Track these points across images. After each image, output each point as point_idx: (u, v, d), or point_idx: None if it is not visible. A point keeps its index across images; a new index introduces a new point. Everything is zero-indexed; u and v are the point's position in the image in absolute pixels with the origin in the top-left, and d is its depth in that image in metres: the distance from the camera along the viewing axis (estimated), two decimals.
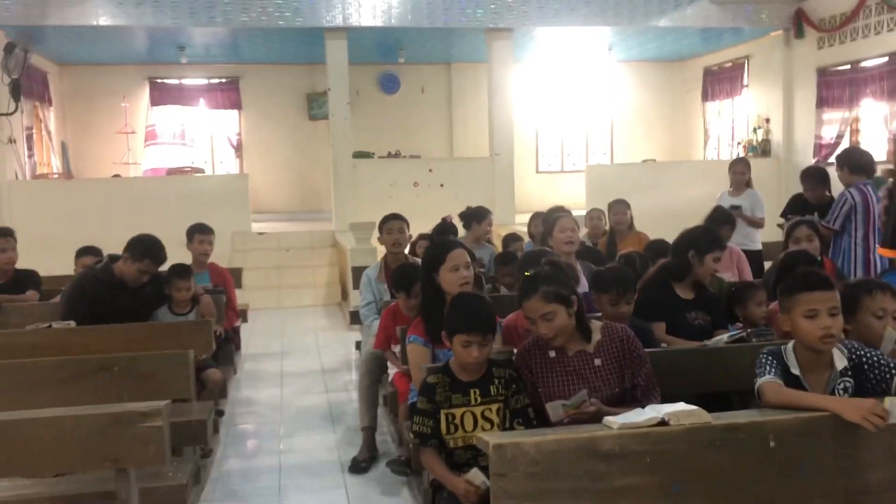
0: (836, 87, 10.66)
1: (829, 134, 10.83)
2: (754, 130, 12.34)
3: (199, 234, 5.73)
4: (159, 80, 13.24)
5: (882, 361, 2.50)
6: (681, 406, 2.27)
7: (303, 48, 11.99)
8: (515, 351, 3.09)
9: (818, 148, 11.00)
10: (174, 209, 10.29)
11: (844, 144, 10.67)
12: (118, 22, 10.01)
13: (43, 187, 10.74)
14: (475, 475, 2.56)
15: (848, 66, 10.43)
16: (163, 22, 10.13)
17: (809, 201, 6.20)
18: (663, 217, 8.81)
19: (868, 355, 2.51)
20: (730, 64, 13.16)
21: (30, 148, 10.98)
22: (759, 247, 6.81)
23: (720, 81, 13.44)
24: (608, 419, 2.24)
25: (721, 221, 5.22)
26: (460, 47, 12.70)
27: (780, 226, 6.43)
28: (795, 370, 2.49)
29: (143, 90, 13.24)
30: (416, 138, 13.91)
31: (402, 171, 11.40)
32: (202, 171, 12.20)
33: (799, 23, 11.23)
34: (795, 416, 2.26)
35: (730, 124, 13.35)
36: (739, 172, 6.95)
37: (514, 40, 11.40)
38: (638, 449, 2.13)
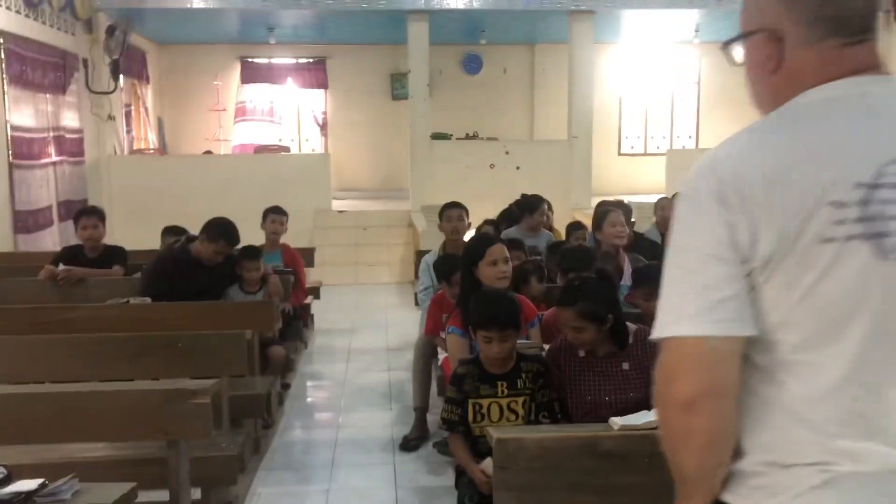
0: None
1: None
2: None
3: (272, 214, 6.04)
4: (250, 60, 13.74)
5: None
6: None
7: (387, 29, 12.20)
8: (547, 347, 3.21)
9: None
10: (260, 186, 10.73)
11: None
12: (210, 5, 10.46)
13: (139, 162, 11.37)
14: (489, 465, 2.72)
15: None
16: (252, 5, 10.53)
17: None
18: None
19: None
20: None
21: (128, 124, 11.62)
22: None
23: None
24: (612, 420, 2.35)
25: None
26: (543, 29, 12.66)
27: None
28: None
29: (235, 69, 13.76)
30: (498, 119, 13.98)
31: (478, 152, 11.52)
32: (288, 149, 12.65)
33: None
34: None
35: None
36: None
37: (596, 22, 11.31)
38: (637, 450, 2.24)
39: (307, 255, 6.64)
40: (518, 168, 11.37)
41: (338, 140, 14.09)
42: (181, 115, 13.72)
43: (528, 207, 6.41)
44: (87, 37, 10.05)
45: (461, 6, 10.71)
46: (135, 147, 11.95)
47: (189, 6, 10.48)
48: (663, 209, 6.97)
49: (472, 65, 14.02)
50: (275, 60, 13.83)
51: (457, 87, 14.01)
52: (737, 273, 1.19)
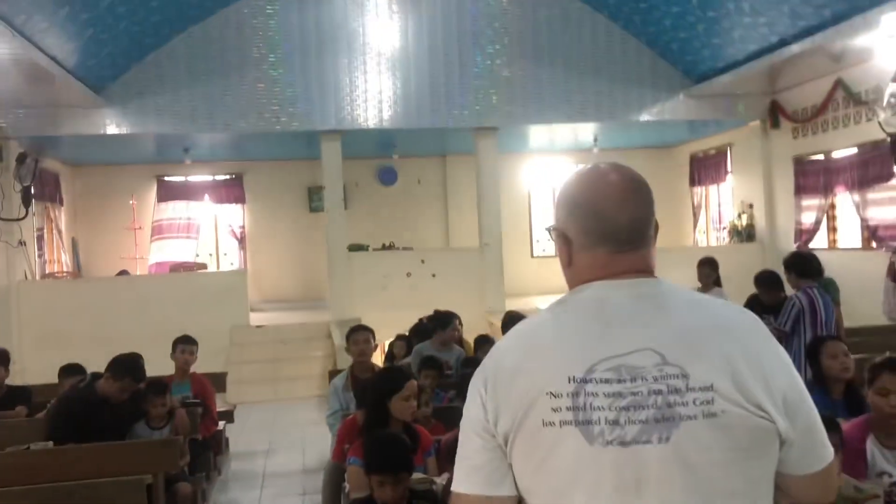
0: (811, 176, 11.03)
1: (808, 220, 11.15)
2: (738, 216, 12.70)
3: (181, 344, 6.10)
4: (166, 179, 13.89)
5: None
6: None
7: (302, 146, 12.57)
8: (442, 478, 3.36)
9: (798, 233, 11.30)
10: (176, 305, 10.75)
11: (822, 231, 11.00)
12: (124, 131, 10.66)
13: (51, 286, 11.24)
14: None
15: (821, 156, 10.82)
16: (166, 130, 10.78)
17: (765, 303, 6.48)
18: None
19: None
20: (714, 151, 13.62)
21: (40, 248, 11.54)
22: None
23: (706, 168, 13.88)
24: None
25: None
26: (453, 141, 13.26)
27: None
28: None
29: (151, 187, 13.89)
30: (415, 228, 14.38)
31: (395, 262, 11.81)
32: (205, 265, 12.72)
33: (775, 114, 11.70)
34: None
35: (717, 209, 13.73)
36: (705, 275, 7.29)
37: (501, 136, 11.94)
38: None
39: (218, 380, 6.67)
40: (434, 276, 11.68)
41: (257, 253, 14.21)
42: (97, 235, 13.67)
43: (440, 323, 6.62)
44: None
45: (371, 126, 11.16)
46: (47, 270, 11.83)
47: (103, 133, 10.66)
48: None
49: (388, 176, 14.49)
50: (191, 178, 14.02)
51: (374, 198, 14.44)
52: (490, 446, 1.42)
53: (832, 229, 10.96)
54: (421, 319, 7.39)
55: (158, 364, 5.98)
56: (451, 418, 4.81)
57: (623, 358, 1.38)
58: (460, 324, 7.20)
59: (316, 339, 10.98)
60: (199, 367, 7.48)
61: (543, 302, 12.54)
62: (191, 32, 10.66)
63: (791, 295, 5.97)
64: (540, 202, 14.99)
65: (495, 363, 1.47)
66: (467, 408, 1.48)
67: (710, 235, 13.93)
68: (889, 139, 9.16)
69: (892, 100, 8.98)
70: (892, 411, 3.04)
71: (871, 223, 9.86)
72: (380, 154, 13.89)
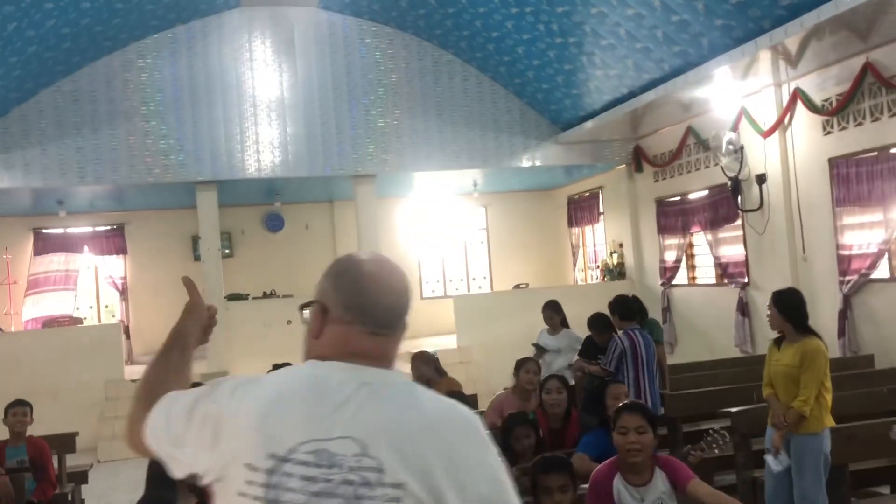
0: (671, 216, 11.67)
1: (670, 258, 11.77)
2: (610, 254, 13.28)
3: (14, 407, 6.01)
4: (43, 231, 13.61)
5: None
6: None
7: (184, 195, 12.52)
8: None
9: (663, 271, 11.91)
10: (49, 361, 10.54)
11: (682, 268, 11.63)
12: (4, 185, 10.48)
13: None
14: None
15: (678, 198, 11.48)
16: (34, 184, 10.63)
17: (598, 344, 6.87)
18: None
19: None
20: (588, 193, 14.24)
21: None
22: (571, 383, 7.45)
23: (581, 209, 14.48)
24: None
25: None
26: (339, 187, 13.44)
27: (570, 365, 7.11)
28: None
29: (28, 241, 13.57)
30: (304, 274, 14.41)
31: (275, 310, 11.85)
32: (80, 320, 12.47)
33: (637, 158, 12.37)
34: None
35: (593, 248, 14.32)
36: (548, 318, 7.66)
37: (382, 182, 12.24)
38: None
39: (65, 441, 6.58)
40: None
41: (139, 304, 14.01)
42: None
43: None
44: None
45: (248, 176, 11.27)
46: None
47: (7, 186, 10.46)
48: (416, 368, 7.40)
49: (274, 223, 14.56)
50: (70, 230, 13.77)
51: (261, 245, 14.47)
52: (188, 426, 1.49)
53: (691, 267, 11.60)
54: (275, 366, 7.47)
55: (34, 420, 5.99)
56: None
57: (326, 443, 1.39)
58: None
59: None
60: (69, 425, 7.39)
61: (433, 343, 12.78)
62: (58, 86, 10.61)
63: (613, 337, 6.36)
64: (425, 245, 15.29)
65: (246, 397, 1.47)
66: (213, 384, 1.52)
67: (587, 274, 14.48)
68: (730, 183, 9.83)
69: (730, 147, 9.66)
70: (631, 448, 3.35)
71: (723, 261, 10.50)
72: (264, 201, 13.96)
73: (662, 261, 11.94)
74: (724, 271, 10.45)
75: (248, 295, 12.17)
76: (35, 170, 10.58)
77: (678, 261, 11.58)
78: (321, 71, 11.54)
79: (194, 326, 1.83)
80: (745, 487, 5.39)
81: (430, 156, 11.85)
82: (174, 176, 11.06)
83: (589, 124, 11.38)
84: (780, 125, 9.15)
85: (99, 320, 13.80)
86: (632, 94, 10.20)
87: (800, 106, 8.83)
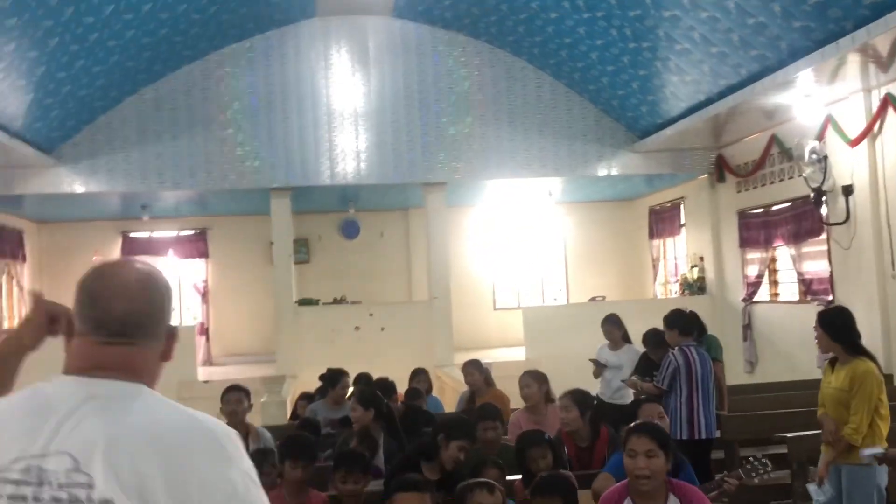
0: (753, 229, 11.11)
1: (752, 273, 11.21)
2: (691, 268, 12.76)
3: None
4: (131, 235, 14.16)
5: None
6: None
7: (260, 201, 12.81)
8: None
9: (745, 286, 11.35)
10: None
11: (765, 284, 11.05)
12: (76, 190, 10.97)
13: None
14: None
15: (761, 210, 10.92)
16: (118, 188, 11.08)
17: (654, 360, 6.55)
18: None
19: None
20: (669, 204, 13.75)
21: None
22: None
23: (662, 220, 13.99)
24: None
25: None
26: (412, 195, 13.45)
27: (623, 381, 6.79)
28: None
29: (116, 243, 14.15)
30: (377, 281, 14.52)
31: (343, 316, 11.93)
32: None
33: (720, 168, 11.85)
34: None
35: (673, 261, 13.81)
36: (607, 332, 7.37)
37: (461, 187, 12.21)
38: None
39: None
40: (382, 329, 11.78)
41: (220, 307, 14.38)
42: (62, 291, 13.73)
43: (330, 381, 6.70)
44: None
45: (321, 183, 11.41)
46: (5, 326, 12.03)
47: (55, 192, 10.96)
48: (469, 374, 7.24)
49: (350, 230, 14.69)
50: (156, 234, 14.28)
51: (336, 251, 14.63)
52: None
53: (773, 282, 11.00)
54: (321, 376, 7.46)
55: None
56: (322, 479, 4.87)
57: (39, 459, 1.35)
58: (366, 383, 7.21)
59: (259, 395, 11.04)
60: None
61: (502, 354, 12.61)
62: (141, 94, 11.01)
63: (667, 353, 6.03)
64: (499, 255, 15.10)
65: None
66: None
67: (667, 288, 13.97)
68: (813, 195, 9.27)
69: (814, 156, 9.11)
70: (639, 473, 3.12)
71: (806, 277, 9.91)
72: (341, 208, 14.11)
73: (744, 276, 11.39)
74: (808, 288, 9.85)
75: (319, 300, 12.29)
76: (118, 175, 11.02)
77: (760, 276, 11.01)
78: (394, 79, 11.57)
79: (28, 338, 1.73)
80: None
81: (501, 164, 11.69)
82: (249, 182, 11.31)
83: (668, 132, 10.97)
84: (868, 133, 8.55)
85: (180, 324, 14.22)
86: (709, 101, 9.76)
87: (891, 113, 8.24)
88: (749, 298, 11.19)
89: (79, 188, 10.99)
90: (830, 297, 9.36)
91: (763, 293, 11.08)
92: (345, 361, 10.44)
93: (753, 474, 4.00)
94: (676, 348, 5.99)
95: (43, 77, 8.81)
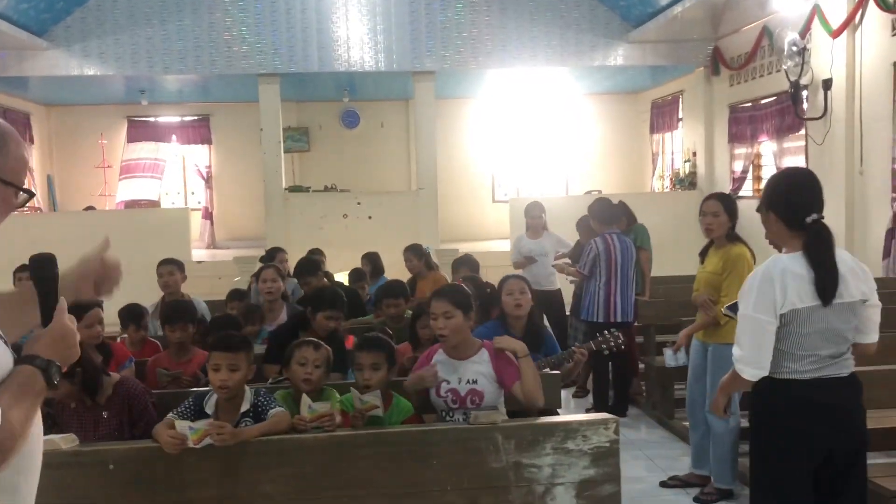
0: (742, 124, 10.92)
1: (738, 168, 11.10)
2: (684, 163, 12.65)
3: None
4: (136, 119, 14.46)
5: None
6: None
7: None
8: None
9: (732, 181, 11.26)
10: (123, 239, 11.33)
11: (749, 179, 10.95)
12: (69, 73, 11.19)
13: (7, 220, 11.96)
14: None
15: (750, 104, 10.70)
16: (109, 71, 11.25)
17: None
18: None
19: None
20: (669, 97, 13.50)
21: None
22: (558, 286, 7.37)
23: (662, 115, 13.77)
24: None
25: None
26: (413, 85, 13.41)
27: (554, 266, 6.99)
28: (209, 410, 3.15)
29: (122, 127, 14.48)
30: (377, 170, 14.70)
31: (332, 203, 12.17)
32: (158, 204, 13.32)
33: (715, 61, 11.55)
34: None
35: (670, 156, 13.67)
36: (536, 217, 7.49)
37: (453, 79, 12.21)
38: None
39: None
40: (370, 217, 12.03)
41: (222, 192, 14.76)
42: (71, 173, 14.40)
43: (269, 258, 7.04)
44: None
45: (307, 70, 11.45)
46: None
47: (66, 73, 11.19)
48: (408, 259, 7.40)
49: (350, 119, 14.77)
50: (160, 119, 14.56)
51: (336, 140, 14.77)
52: None
53: (757, 178, 10.89)
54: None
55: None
56: None
57: None
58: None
59: (247, 275, 11.49)
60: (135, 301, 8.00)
61: (498, 245, 12.81)
62: None
63: (590, 240, 6.17)
64: (499, 148, 15.08)
65: None
66: None
67: (663, 183, 13.89)
68: (791, 89, 9.06)
69: (793, 48, 8.85)
70: (439, 332, 3.39)
71: None
72: (338, 98, 14.15)
73: (731, 171, 11.28)
74: None
75: (309, 188, 12.53)
76: (109, 58, 11.16)
77: (745, 171, 10.90)
78: None
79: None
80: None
81: (492, 53, 11.56)
82: (236, 68, 11.40)
83: (661, 19, 10.68)
84: (849, 24, 8.27)
85: (186, 207, 14.67)
86: None
87: (872, 5, 7.93)
88: (734, 194, 11.10)
89: (73, 71, 11.20)
90: None
91: (747, 188, 11.00)
92: (333, 247, 10.83)
93: (604, 346, 4.23)
94: (599, 236, 6.13)
95: None
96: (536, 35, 11.54)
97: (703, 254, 4.71)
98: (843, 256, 2.88)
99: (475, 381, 3.37)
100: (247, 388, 3.19)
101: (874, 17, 7.97)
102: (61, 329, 1.69)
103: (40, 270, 1.75)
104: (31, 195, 1.79)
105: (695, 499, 4.58)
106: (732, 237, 4.54)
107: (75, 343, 1.71)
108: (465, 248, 11.98)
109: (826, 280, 2.78)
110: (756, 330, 2.80)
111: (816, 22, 8.77)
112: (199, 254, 12.73)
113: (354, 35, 11.45)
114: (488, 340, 3.47)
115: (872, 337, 2.98)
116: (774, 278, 2.79)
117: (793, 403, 2.80)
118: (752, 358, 2.81)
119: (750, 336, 2.82)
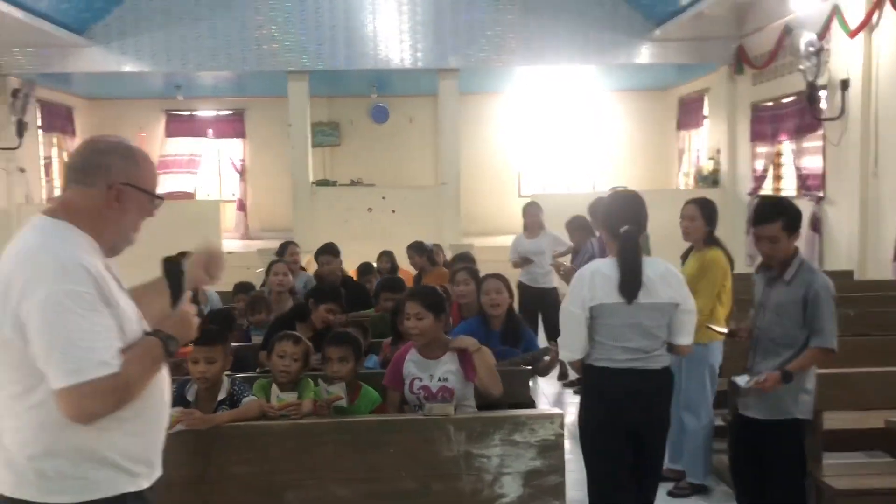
0: (764, 123, 10.90)
1: (759, 167, 11.09)
2: (709, 160, 12.66)
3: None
4: (174, 113, 14.94)
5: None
6: None
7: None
8: None
9: (753, 180, 11.26)
10: (154, 231, 11.77)
11: (770, 178, 10.94)
12: (107, 69, 11.68)
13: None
14: None
15: (771, 103, 10.68)
16: (145, 68, 11.71)
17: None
18: None
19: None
20: (695, 95, 13.49)
21: (48, 175, 12.86)
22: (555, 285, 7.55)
23: (688, 112, 13.78)
24: None
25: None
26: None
27: (551, 264, 7.16)
28: (190, 397, 3.43)
29: (160, 122, 14.98)
30: (405, 166, 14.96)
31: (357, 198, 12.48)
32: (193, 196, 13.79)
33: (738, 59, 11.54)
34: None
35: (696, 154, 13.67)
36: (532, 215, 7.67)
37: (479, 75, 12.43)
38: None
39: None
40: (394, 211, 12.30)
41: (255, 185, 15.17)
42: None
43: (280, 251, 7.31)
44: None
45: (335, 67, 11.76)
46: (55, 195, 13.15)
47: (104, 70, 11.68)
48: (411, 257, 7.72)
49: (379, 115, 15.02)
50: (197, 113, 15.02)
51: (366, 135, 15.06)
52: None
53: (777, 177, 10.88)
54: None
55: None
56: None
57: None
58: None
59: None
60: None
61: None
62: None
63: (588, 241, 6.33)
64: (526, 144, 15.22)
65: None
66: None
67: (688, 180, 13.89)
68: (808, 89, 9.05)
69: (810, 49, 8.85)
70: (410, 332, 3.60)
71: (803, 172, 9.80)
72: (368, 94, 14.43)
73: (753, 169, 11.28)
74: (803, 183, 9.76)
75: (336, 182, 12.85)
76: (145, 56, 11.64)
77: (765, 170, 10.89)
78: None
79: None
80: None
81: (515, 51, 11.71)
82: (266, 65, 11.78)
83: (683, 18, 10.72)
84: (867, 24, 8.25)
85: (221, 200, 15.11)
86: None
87: (888, 7, 7.90)
88: (754, 192, 11.12)
89: (112, 67, 11.67)
90: (821, 194, 9.29)
91: (767, 187, 10.99)
92: (357, 240, 11.16)
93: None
94: (595, 237, 6.28)
95: None
96: (559, 33, 11.66)
97: (684, 257, 4.85)
98: (655, 264, 3.38)
99: (446, 380, 3.59)
100: (224, 377, 3.46)
101: (891, 18, 7.94)
102: (185, 314, 2.12)
103: (170, 267, 2.19)
104: (162, 201, 2.14)
105: (669, 493, 4.74)
106: (710, 241, 4.68)
107: (193, 326, 2.13)
108: (490, 242, 12.24)
109: (627, 280, 3.29)
110: (570, 320, 3.45)
111: (836, 22, 8.75)
112: (233, 244, 13.12)
113: (381, 33, 11.71)
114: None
115: (684, 339, 3.45)
116: (585, 278, 3.44)
117: (606, 386, 3.42)
118: (566, 342, 3.52)
119: (565, 325, 3.49)
